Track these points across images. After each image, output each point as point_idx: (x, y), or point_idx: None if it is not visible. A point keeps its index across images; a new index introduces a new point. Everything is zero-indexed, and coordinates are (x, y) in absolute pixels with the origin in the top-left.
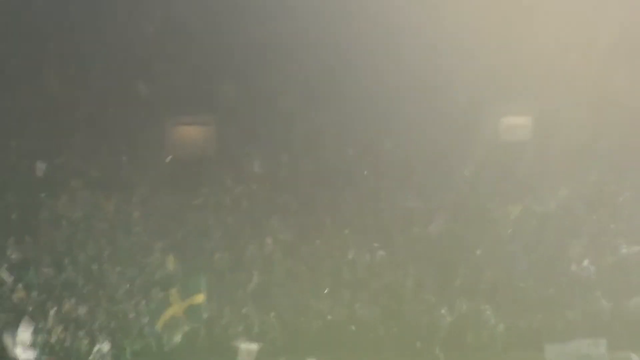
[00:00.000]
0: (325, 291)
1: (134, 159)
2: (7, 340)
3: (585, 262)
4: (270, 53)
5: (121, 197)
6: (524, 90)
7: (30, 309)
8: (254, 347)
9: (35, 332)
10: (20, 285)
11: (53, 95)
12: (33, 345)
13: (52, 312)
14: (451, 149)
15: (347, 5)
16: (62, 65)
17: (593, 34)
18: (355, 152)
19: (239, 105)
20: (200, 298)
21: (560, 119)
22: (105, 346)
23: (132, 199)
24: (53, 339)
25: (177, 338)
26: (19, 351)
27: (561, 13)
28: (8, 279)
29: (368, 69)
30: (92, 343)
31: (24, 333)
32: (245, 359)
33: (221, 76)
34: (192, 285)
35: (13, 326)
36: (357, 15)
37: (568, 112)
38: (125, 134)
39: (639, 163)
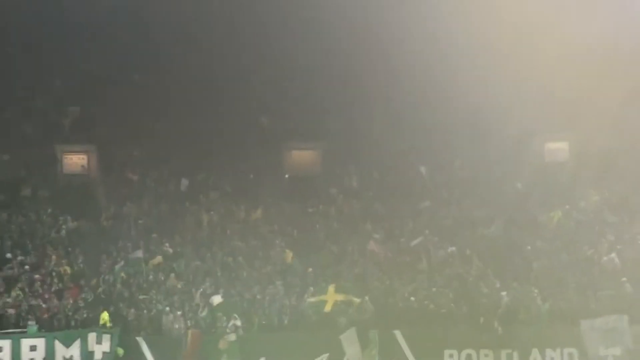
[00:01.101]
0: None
1: (259, 176)
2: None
3: (613, 255)
4: (366, 92)
5: (249, 205)
6: (562, 122)
7: (180, 292)
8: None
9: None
10: (172, 275)
11: (196, 126)
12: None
13: (197, 295)
14: (507, 168)
15: (425, 51)
16: (203, 104)
17: (615, 75)
18: (432, 169)
19: (341, 133)
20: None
21: (591, 144)
22: (238, 321)
23: (258, 208)
24: (199, 315)
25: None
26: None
27: (590, 62)
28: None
29: (444, 105)
30: (228, 319)
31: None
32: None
33: (327, 110)
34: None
35: (170, 306)
36: (434, 61)
37: (597, 139)
38: (252, 157)
39: None
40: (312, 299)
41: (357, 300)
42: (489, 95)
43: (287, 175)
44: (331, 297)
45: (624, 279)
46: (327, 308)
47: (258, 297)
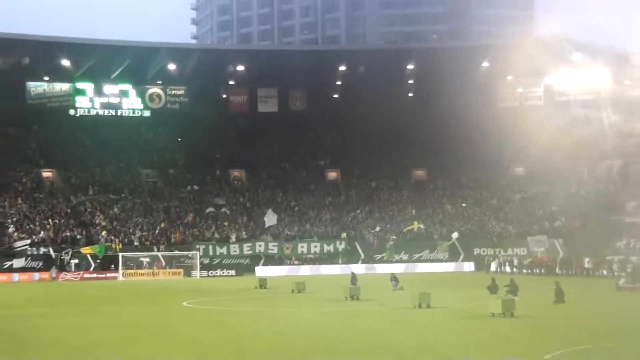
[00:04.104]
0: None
1: (402, 181)
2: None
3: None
4: (444, 145)
5: (398, 193)
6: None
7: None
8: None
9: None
10: (368, 220)
11: (374, 163)
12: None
13: (377, 227)
14: (491, 175)
15: None
16: (377, 153)
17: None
18: (461, 182)
19: (436, 163)
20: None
21: (534, 168)
22: (394, 236)
23: (402, 193)
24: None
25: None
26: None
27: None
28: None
29: (474, 149)
30: (390, 236)
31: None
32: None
33: (429, 152)
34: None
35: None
36: None
37: (537, 166)
38: (397, 175)
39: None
40: (410, 226)
41: (422, 225)
42: (490, 146)
43: (413, 181)
44: (415, 224)
45: (536, 227)
46: (415, 228)
47: (401, 227)
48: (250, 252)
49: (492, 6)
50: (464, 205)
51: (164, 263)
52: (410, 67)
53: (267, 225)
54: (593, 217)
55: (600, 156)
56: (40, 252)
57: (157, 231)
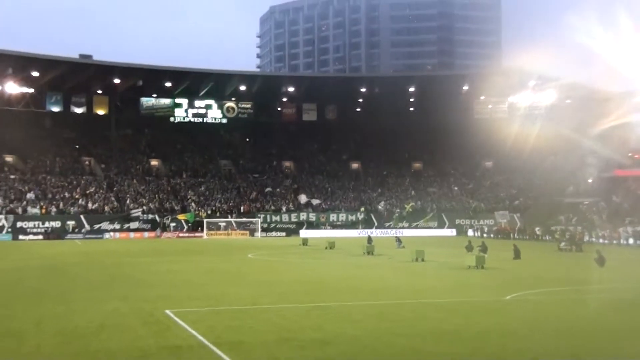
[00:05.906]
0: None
1: (407, 171)
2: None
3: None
4: (435, 146)
5: (402, 179)
6: (490, 151)
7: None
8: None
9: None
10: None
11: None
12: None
13: (382, 202)
14: (467, 168)
15: None
16: (394, 152)
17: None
18: (448, 172)
19: (428, 159)
20: (410, 205)
21: (504, 162)
22: (407, 207)
23: (405, 179)
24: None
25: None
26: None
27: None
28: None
29: (458, 150)
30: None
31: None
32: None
33: (423, 152)
34: (407, 205)
35: (380, 204)
36: None
37: (506, 160)
38: (402, 167)
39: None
40: (407, 206)
41: (412, 205)
42: (468, 146)
43: (412, 171)
44: (409, 205)
45: (501, 205)
46: (409, 208)
47: (404, 207)
48: (296, 219)
49: (470, 46)
50: (455, 188)
51: (235, 226)
52: (411, 89)
53: (302, 202)
54: (542, 197)
55: (548, 154)
56: (149, 218)
57: (230, 204)
